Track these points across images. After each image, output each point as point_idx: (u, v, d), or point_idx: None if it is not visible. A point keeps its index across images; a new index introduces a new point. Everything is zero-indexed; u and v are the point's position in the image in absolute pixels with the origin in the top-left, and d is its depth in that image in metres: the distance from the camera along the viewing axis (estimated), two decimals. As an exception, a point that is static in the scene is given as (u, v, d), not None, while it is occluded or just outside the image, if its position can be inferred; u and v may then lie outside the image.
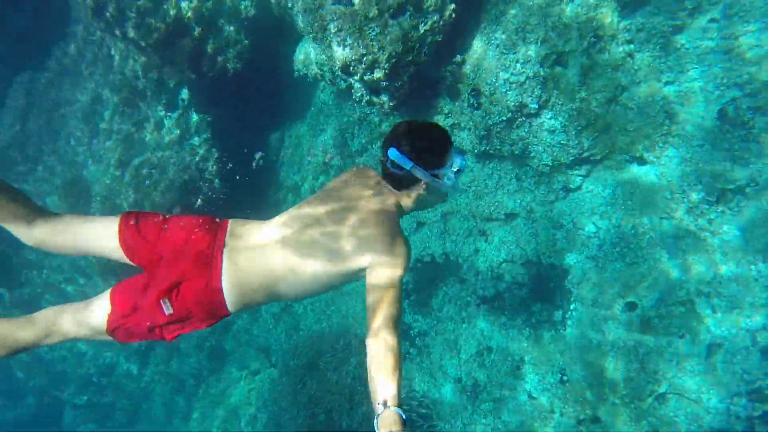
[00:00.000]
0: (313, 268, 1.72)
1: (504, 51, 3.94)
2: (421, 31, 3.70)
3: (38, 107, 7.27)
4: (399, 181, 1.77)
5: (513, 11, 4.04)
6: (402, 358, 1.44)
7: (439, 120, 4.46)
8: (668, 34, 3.79)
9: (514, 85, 3.92)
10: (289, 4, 4.64)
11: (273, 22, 5.86)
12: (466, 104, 4.16)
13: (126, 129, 6.32)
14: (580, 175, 4.11)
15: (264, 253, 1.76)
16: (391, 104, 4.09)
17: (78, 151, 6.91)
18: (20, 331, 1.78)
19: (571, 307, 4.26)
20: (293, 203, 6.95)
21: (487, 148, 4.30)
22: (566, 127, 3.92)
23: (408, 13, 3.62)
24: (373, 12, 3.57)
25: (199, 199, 6.41)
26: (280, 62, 6.27)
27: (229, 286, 1.73)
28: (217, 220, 1.86)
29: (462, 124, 4.28)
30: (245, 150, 6.62)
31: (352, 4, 3.70)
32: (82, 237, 1.83)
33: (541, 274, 4.51)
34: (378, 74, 3.78)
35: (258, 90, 6.49)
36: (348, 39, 3.65)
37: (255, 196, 6.99)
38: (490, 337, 4.83)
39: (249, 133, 6.95)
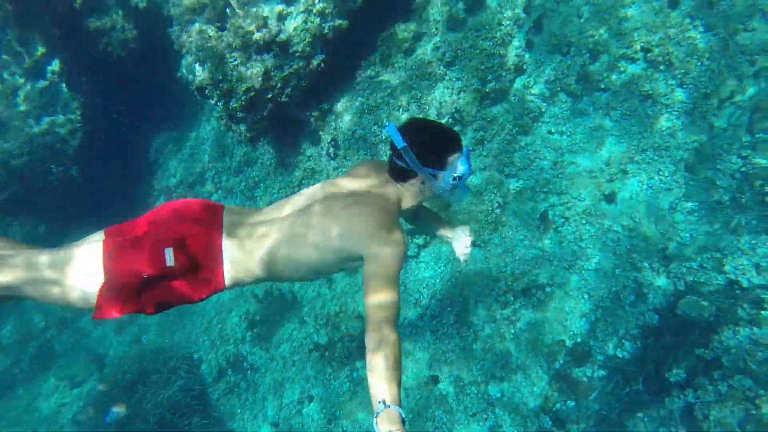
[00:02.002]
0: (307, 252, 1.70)
1: (365, 111, 4.05)
2: (285, 73, 3.70)
3: None
4: (399, 172, 1.74)
5: (386, 77, 4.19)
6: (401, 355, 1.38)
7: (302, 161, 4.46)
8: (514, 135, 4.11)
9: (368, 144, 4.02)
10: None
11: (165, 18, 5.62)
12: (324, 152, 4.19)
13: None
14: (417, 244, 4.26)
15: (262, 232, 1.75)
16: (248, 135, 4.02)
17: None
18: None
19: (389, 368, 4.33)
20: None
21: (338, 199, 4.36)
22: (410, 196, 4.07)
23: (272, 53, 3.62)
24: (237, 42, 3.52)
25: (47, 182, 5.85)
26: (170, 62, 6.01)
27: (229, 257, 1.71)
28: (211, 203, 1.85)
29: (319, 170, 4.31)
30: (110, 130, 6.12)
31: (223, 29, 3.63)
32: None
33: (371, 330, 4.57)
34: (234, 104, 3.70)
35: (143, 85, 6.15)
36: (207, 62, 3.55)
37: (120, 194, 6.51)
38: (313, 385, 4.76)
39: (128, 127, 6.52)
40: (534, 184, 4.03)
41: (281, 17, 3.51)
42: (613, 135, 3.83)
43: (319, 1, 3.56)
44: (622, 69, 3.85)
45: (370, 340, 1.43)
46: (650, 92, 3.71)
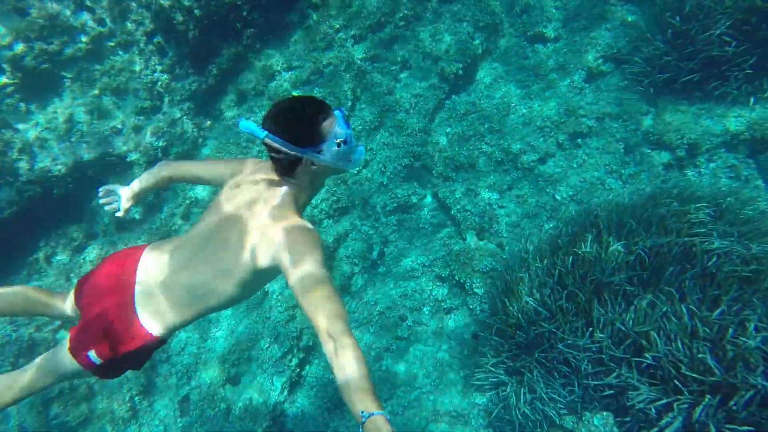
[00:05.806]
0: (222, 285, 1.68)
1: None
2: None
3: None
4: (283, 166, 1.65)
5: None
6: (362, 357, 1.32)
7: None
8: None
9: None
10: None
11: None
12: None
13: None
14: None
15: (176, 277, 1.73)
16: None
17: None
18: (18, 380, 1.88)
19: None
20: None
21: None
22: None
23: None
24: None
25: None
26: None
27: (146, 312, 1.74)
28: (131, 253, 1.87)
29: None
30: None
31: None
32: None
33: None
34: None
35: None
36: None
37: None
38: None
39: None
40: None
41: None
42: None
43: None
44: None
45: (328, 350, 1.35)
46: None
